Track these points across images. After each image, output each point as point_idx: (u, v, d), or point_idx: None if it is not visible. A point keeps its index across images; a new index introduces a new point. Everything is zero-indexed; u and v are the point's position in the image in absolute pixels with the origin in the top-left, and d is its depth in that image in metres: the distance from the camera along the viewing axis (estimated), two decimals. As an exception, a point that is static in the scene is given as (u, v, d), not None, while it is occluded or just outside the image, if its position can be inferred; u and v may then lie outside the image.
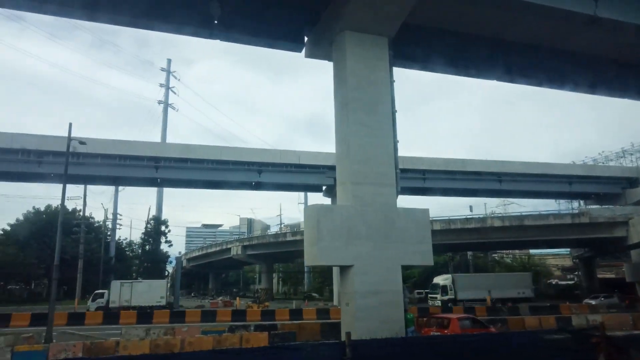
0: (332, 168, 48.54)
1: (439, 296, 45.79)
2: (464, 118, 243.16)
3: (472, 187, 51.63)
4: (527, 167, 53.22)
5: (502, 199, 67.99)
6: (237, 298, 52.41)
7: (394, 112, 19.02)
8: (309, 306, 44.00)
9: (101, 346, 13.24)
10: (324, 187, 50.69)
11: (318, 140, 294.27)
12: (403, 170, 48.07)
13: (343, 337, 15.91)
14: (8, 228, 65.03)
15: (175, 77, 68.02)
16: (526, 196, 55.70)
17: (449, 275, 48.88)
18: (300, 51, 21.45)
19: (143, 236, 58.55)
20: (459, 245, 53.71)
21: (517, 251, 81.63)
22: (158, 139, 63.24)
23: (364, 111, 17.86)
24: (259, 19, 20.15)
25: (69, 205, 67.56)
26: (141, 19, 18.82)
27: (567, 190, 55.07)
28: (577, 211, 45.84)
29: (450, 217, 47.23)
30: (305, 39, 21.05)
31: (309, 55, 21.38)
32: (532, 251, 78.76)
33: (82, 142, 24.35)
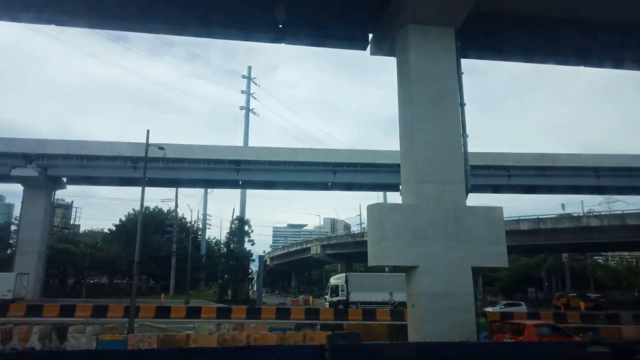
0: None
1: (327, 297, 41.58)
2: (558, 109, 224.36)
3: (565, 183, 47.47)
4: (631, 160, 47.81)
5: (604, 197, 61.54)
6: (311, 297, 53.01)
7: (462, 105, 18.06)
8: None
9: (173, 339, 14.11)
10: (400, 187, 49.68)
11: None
12: (485, 167, 46.94)
13: (411, 340, 15.43)
14: (113, 228, 71.52)
15: (256, 84, 70.72)
16: (630, 192, 50.03)
17: (343, 275, 44.37)
18: (365, 49, 21.18)
19: (228, 236, 61.54)
20: (549, 247, 49.72)
21: (626, 253, 73.69)
22: (241, 143, 66.19)
23: (429, 106, 17.16)
24: (323, 20, 20.21)
25: (164, 207, 73.29)
26: (207, 28, 19.74)
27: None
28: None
29: (540, 217, 43.81)
30: (370, 36, 20.78)
31: (374, 52, 21.02)
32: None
33: (161, 147, 26.11)
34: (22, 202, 44.72)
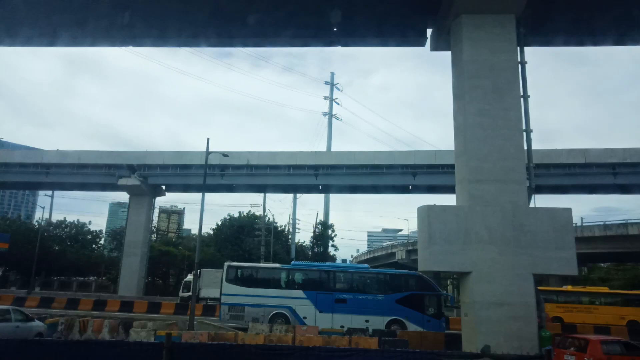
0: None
1: (180, 292, 38.92)
2: None
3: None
4: None
5: None
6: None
7: (526, 97, 16.57)
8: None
9: (222, 337, 14.72)
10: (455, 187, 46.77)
11: None
12: (582, 166, 42.47)
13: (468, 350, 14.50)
14: (211, 232, 76.81)
15: (339, 89, 71.66)
16: None
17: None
18: (424, 45, 20.40)
19: (312, 239, 62.88)
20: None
21: None
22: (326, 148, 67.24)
23: (485, 100, 15.99)
24: (378, 19, 19.86)
25: (257, 212, 76.99)
26: (263, 38, 20.42)
27: None
28: None
29: (628, 221, 38.40)
30: (430, 31, 19.98)
31: (434, 48, 20.12)
32: None
33: (225, 154, 27.48)
34: (128, 209, 49.88)
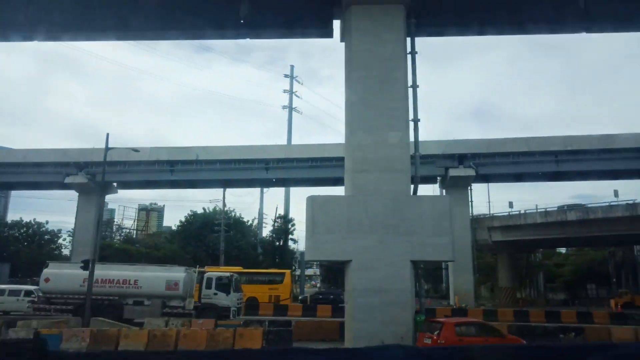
0: (442, 157, 45.49)
1: None
2: None
3: (624, 167, 42.31)
4: None
5: None
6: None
7: (414, 87, 16.82)
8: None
9: (105, 334, 14.70)
10: (438, 178, 47.42)
11: (486, 127, 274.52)
12: (526, 154, 43.33)
13: (347, 340, 14.80)
14: (174, 229, 76.18)
15: (299, 82, 71.41)
16: None
17: None
18: (331, 36, 20.44)
19: (270, 234, 62.87)
20: (599, 239, 44.72)
21: None
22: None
23: (372, 90, 16.18)
24: (284, 11, 19.85)
25: (222, 208, 76.40)
26: (177, 30, 20.24)
27: None
28: None
29: (589, 205, 39.57)
30: (338, 23, 20.04)
31: (342, 39, 20.25)
32: None
33: (135, 150, 27.25)
34: (77, 207, 49.06)
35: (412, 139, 16.46)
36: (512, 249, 48.60)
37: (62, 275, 24.11)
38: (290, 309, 30.16)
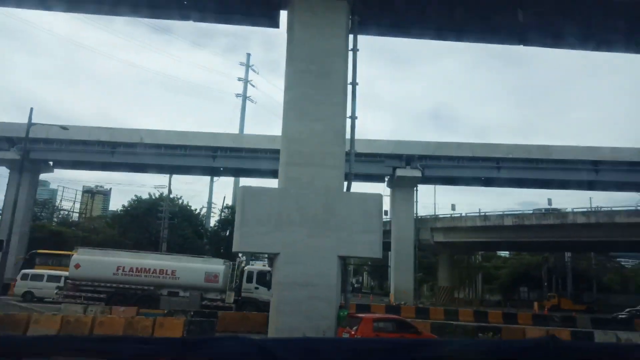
0: (390, 156, 46.23)
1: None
2: (616, 101, 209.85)
3: (558, 177, 44.74)
4: (634, 153, 44.43)
5: (634, 194, 56.87)
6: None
7: (354, 85, 16.83)
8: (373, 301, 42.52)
9: (12, 318, 13.82)
10: (386, 178, 48.16)
11: (443, 131, 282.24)
12: (470, 159, 44.75)
13: (271, 332, 14.60)
14: (117, 212, 73.19)
15: (255, 71, 70.34)
16: (633, 189, 46.67)
17: None
18: (277, 26, 20.12)
19: (216, 224, 61.80)
20: (534, 244, 47.10)
21: None
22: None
23: (311, 84, 16.03)
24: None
25: (165, 194, 74.10)
26: (111, 6, 19.21)
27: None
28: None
29: (524, 212, 41.42)
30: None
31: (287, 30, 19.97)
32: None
33: (64, 127, 25.86)
34: (7, 185, 46.16)
35: (350, 136, 16.43)
36: (453, 250, 50.21)
37: (94, 262, 22.86)
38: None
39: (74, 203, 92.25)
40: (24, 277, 27.50)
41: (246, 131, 74.61)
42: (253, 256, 40.47)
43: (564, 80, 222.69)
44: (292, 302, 14.40)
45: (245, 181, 67.66)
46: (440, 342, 4.80)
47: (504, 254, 76.78)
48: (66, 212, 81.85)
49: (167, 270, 22.74)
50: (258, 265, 26.88)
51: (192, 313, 16.95)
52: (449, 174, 45.78)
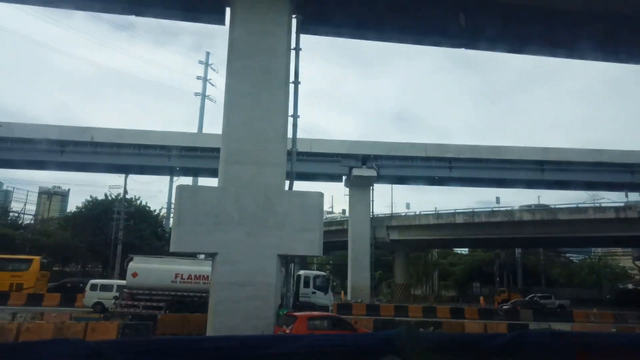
0: (347, 156, 46.70)
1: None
2: (566, 106, 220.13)
3: (507, 176, 46.49)
4: (577, 154, 46.72)
5: (590, 193, 59.50)
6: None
7: (296, 83, 16.91)
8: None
9: None
10: (344, 177, 48.59)
11: (406, 134, 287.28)
12: (423, 159, 45.81)
13: (209, 333, 14.43)
14: (69, 214, 70.34)
15: (214, 69, 69.42)
16: (576, 187, 48.89)
17: None
18: (223, 23, 19.90)
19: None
20: (484, 241, 48.75)
21: (600, 250, 72.77)
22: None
23: (252, 82, 15.99)
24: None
25: (118, 194, 71.87)
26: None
27: (628, 180, 47.62)
28: (622, 204, 38.98)
29: (475, 210, 42.77)
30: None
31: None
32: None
33: None
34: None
35: (292, 134, 16.50)
36: (408, 248, 51.22)
37: (152, 270, 22.55)
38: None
39: (25, 204, 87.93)
40: (93, 287, 26.18)
41: (205, 130, 73.68)
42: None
43: (521, 84, 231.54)
44: (229, 302, 14.31)
45: (204, 181, 66.75)
46: (293, 337, 4.93)
47: (464, 250, 79.01)
48: (16, 214, 78.09)
49: None
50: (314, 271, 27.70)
51: (130, 316, 16.54)
52: (404, 173, 46.69)
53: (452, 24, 19.80)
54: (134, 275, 22.20)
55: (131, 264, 22.85)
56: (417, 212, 47.98)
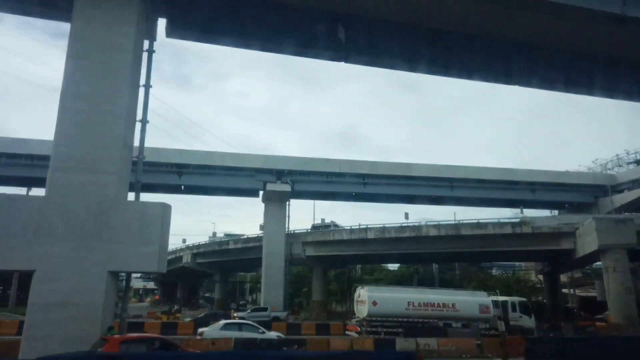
0: (261, 171, 45.82)
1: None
2: (496, 129, 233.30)
3: (419, 193, 47.61)
4: (483, 172, 48.76)
5: (514, 210, 61.72)
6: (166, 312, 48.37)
7: (147, 87, 15.87)
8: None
9: None
10: (261, 192, 47.52)
11: (353, 152, 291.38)
12: (338, 175, 45.79)
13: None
14: None
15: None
16: (482, 204, 51.17)
17: None
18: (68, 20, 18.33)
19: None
20: (395, 256, 49.43)
21: (522, 263, 75.81)
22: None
23: (91, 83, 14.76)
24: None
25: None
26: None
27: (530, 198, 50.25)
28: (518, 220, 40.81)
29: (385, 225, 43.09)
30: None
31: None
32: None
33: None
34: None
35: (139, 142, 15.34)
36: (324, 264, 50.70)
37: (389, 299, 24.67)
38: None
39: None
40: None
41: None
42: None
43: (454, 108, 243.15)
44: (46, 325, 12.73)
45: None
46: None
47: (394, 266, 79.74)
48: None
49: (449, 304, 24.89)
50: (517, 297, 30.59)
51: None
52: (319, 188, 46.46)
53: (329, 39, 19.65)
54: (374, 303, 24.02)
55: (370, 294, 24.51)
56: (332, 227, 47.67)
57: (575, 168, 57.50)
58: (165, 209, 14.64)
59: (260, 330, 20.75)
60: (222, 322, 22.70)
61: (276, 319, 37.10)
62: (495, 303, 26.46)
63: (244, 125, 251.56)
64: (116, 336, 12.44)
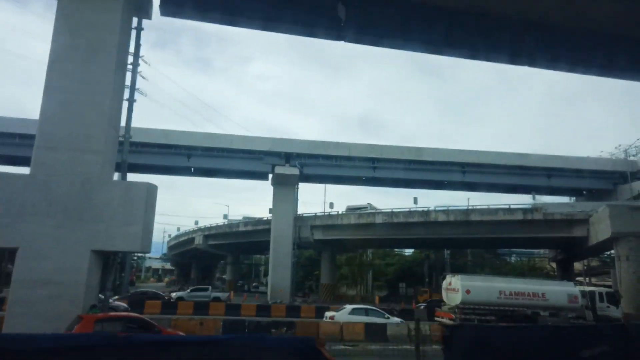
0: (270, 154, 45.60)
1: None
2: (522, 115, 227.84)
3: (429, 178, 46.75)
4: (496, 157, 47.52)
5: (529, 196, 60.40)
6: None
7: (135, 66, 15.66)
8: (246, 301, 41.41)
9: None
10: (270, 175, 47.40)
11: (372, 138, 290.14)
12: (347, 158, 45.24)
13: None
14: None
15: (146, 62, 66.60)
16: (495, 190, 49.97)
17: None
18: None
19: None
20: (404, 241, 48.93)
21: (539, 250, 74.55)
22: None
23: (78, 61, 14.58)
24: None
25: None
26: None
27: (544, 184, 48.89)
28: (529, 206, 39.73)
29: (393, 210, 42.56)
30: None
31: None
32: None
33: None
34: None
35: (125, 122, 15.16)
36: (332, 248, 50.60)
37: (481, 288, 24.91)
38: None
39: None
40: None
41: (140, 124, 70.58)
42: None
43: (481, 93, 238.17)
44: (27, 302, 12.84)
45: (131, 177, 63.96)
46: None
47: (404, 251, 79.32)
48: None
49: (539, 293, 25.04)
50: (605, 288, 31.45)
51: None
52: (328, 172, 46.04)
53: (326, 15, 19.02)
54: (467, 292, 24.31)
55: (463, 282, 24.66)
56: (340, 212, 47.41)
57: (599, 155, 55.62)
58: (150, 189, 14.52)
59: (385, 316, 22.11)
60: (350, 307, 23.85)
61: (217, 299, 37.05)
62: (582, 293, 26.67)
63: (263, 109, 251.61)
64: (90, 314, 12.44)
